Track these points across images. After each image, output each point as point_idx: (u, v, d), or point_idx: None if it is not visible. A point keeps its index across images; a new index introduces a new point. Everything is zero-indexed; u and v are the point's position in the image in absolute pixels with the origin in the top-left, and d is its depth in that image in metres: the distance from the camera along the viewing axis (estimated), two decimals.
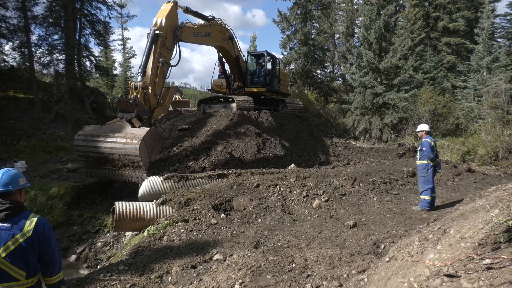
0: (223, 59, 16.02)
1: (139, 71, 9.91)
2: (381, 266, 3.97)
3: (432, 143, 7.79)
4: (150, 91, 9.92)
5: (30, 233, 2.67)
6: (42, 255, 2.76)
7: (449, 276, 2.72)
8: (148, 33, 10.15)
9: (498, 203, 3.56)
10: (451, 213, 5.38)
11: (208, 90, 19.12)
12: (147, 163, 9.02)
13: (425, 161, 7.78)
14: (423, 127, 8.21)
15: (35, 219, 2.75)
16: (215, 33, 13.54)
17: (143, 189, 8.14)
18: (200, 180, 8.82)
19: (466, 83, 22.67)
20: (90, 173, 9.68)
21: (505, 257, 2.58)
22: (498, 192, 4.34)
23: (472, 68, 22.76)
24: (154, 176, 8.51)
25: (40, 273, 2.82)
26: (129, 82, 10.10)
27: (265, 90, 16.82)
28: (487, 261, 2.67)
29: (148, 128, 9.18)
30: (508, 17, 30.04)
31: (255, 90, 16.67)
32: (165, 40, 10.36)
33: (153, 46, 10.00)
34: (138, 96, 9.63)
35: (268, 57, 17.35)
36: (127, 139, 8.68)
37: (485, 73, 21.29)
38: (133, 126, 9.34)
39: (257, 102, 16.28)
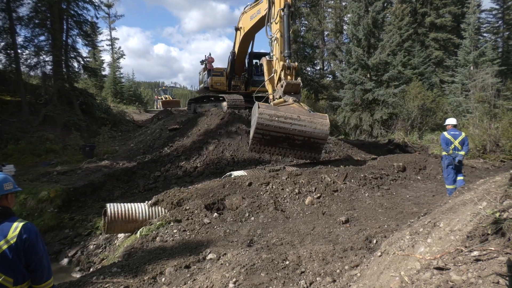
0: (235, 53, 15.74)
1: (287, 52, 9.63)
2: (374, 261, 4.02)
3: (449, 136, 8.12)
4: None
5: (14, 239, 2.58)
6: (29, 262, 2.66)
7: (439, 269, 2.77)
8: (282, 9, 9.69)
9: (486, 195, 3.62)
10: (441, 206, 5.45)
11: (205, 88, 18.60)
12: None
13: (444, 153, 8.22)
14: (447, 121, 8.58)
15: (20, 225, 2.64)
16: None
17: None
18: None
19: (454, 78, 23.01)
20: (260, 149, 9.90)
21: (493, 248, 2.63)
22: (486, 185, 4.40)
23: (459, 63, 23.09)
24: None
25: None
26: (282, 63, 9.75)
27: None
28: (475, 253, 2.72)
29: (327, 115, 9.77)
30: (494, 12, 30.52)
31: (262, 89, 16.71)
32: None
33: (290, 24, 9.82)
34: (292, 77, 9.79)
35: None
36: (316, 124, 9.32)
37: (472, 68, 21.62)
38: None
39: (248, 100, 16.27)
